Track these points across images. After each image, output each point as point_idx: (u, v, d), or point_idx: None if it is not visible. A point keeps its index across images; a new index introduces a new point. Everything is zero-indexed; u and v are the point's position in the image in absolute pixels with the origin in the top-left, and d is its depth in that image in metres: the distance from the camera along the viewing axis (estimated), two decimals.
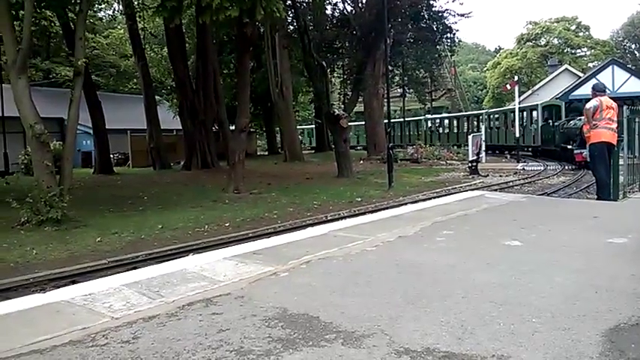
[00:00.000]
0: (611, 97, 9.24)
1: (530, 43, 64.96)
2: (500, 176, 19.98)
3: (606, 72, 33.44)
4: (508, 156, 31.09)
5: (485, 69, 78.42)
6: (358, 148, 41.31)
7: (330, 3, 29.83)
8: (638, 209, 7.67)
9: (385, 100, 21.62)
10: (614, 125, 8.82)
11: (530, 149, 30.10)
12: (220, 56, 31.93)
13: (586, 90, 25.02)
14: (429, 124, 43.75)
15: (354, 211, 12.21)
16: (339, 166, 19.94)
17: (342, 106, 33.60)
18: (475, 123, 37.09)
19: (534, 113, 29.34)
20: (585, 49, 64.44)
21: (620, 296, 3.19)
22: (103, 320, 3.01)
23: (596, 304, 3.04)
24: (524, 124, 29.73)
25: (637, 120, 9.52)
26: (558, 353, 2.39)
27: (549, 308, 2.98)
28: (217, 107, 26.77)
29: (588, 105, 8.94)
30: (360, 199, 14.13)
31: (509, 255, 4.34)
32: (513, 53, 65.68)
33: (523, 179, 18.49)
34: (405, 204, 11.79)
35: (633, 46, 66.72)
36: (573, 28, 64.93)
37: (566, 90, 34.80)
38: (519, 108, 30.47)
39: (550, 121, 26.60)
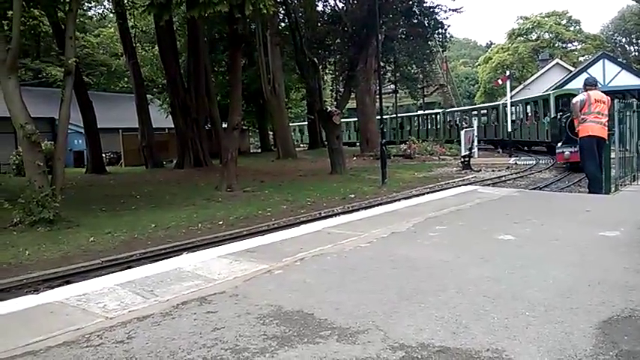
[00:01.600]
0: (602, 91, 9.26)
1: (522, 38, 65.26)
2: (493, 171, 20.05)
3: (597, 66, 33.53)
4: (500, 150, 30.77)
5: (476, 64, 78.76)
6: (357, 145, 40.76)
7: None
8: (630, 202, 7.70)
9: (377, 96, 21.63)
10: (604, 119, 8.83)
11: (544, 145, 25.99)
12: (212, 54, 31.85)
13: (577, 84, 24.80)
14: (448, 118, 41.23)
15: (348, 207, 12.23)
16: (332, 162, 19.95)
17: (335, 102, 33.66)
18: (505, 114, 31.67)
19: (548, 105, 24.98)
20: (576, 44, 64.89)
21: (613, 289, 3.20)
22: (97, 320, 2.99)
23: (590, 297, 3.05)
24: (539, 116, 26.45)
25: (628, 113, 9.55)
26: (552, 346, 2.40)
27: (543, 302, 2.99)
28: (209, 105, 26.77)
29: (574, 99, 8.98)
30: (353, 196, 14.14)
31: (503, 249, 4.35)
32: (505, 48, 65.94)
33: (515, 173, 18.56)
34: (399, 200, 11.77)
35: (624, 39, 67.10)
36: (564, 22, 65.29)
37: (558, 84, 34.85)
38: (531, 99, 29.17)
39: (561, 113, 21.57)
